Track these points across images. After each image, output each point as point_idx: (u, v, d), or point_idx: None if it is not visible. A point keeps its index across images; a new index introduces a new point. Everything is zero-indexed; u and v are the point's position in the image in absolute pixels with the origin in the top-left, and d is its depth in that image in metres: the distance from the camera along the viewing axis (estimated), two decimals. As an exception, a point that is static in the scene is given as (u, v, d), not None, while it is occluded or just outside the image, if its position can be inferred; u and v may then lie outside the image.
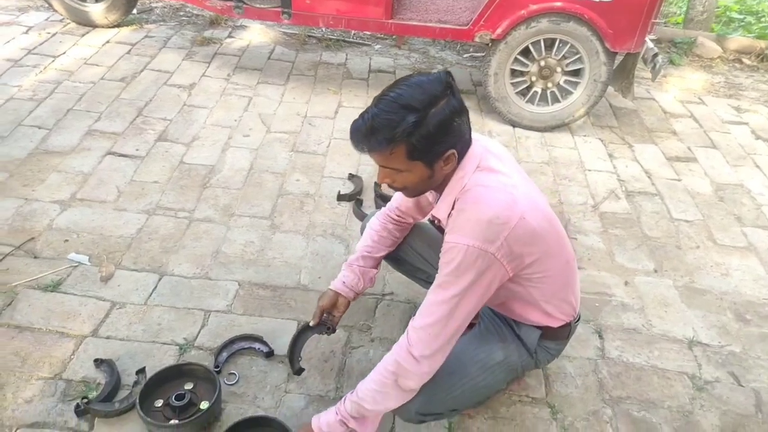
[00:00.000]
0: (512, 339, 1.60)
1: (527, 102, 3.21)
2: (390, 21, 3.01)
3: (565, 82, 3.15)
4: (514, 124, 3.27)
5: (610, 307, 2.20)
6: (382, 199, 2.60)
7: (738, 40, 4.81)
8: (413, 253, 1.81)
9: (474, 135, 1.41)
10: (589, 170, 3.00)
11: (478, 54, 4.23)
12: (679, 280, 2.36)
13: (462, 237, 1.30)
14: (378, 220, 1.77)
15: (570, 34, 2.93)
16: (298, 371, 1.71)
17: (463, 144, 1.36)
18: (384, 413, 1.47)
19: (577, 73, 3.12)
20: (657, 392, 1.89)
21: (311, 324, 1.72)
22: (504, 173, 1.40)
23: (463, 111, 1.33)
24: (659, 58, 2.96)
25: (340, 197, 2.60)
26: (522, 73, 3.15)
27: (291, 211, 2.50)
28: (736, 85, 4.26)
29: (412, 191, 1.44)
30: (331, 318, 1.72)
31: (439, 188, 1.44)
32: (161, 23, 4.18)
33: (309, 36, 4.20)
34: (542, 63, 3.07)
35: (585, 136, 3.31)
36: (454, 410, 1.56)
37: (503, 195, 1.34)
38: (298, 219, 2.47)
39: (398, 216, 1.75)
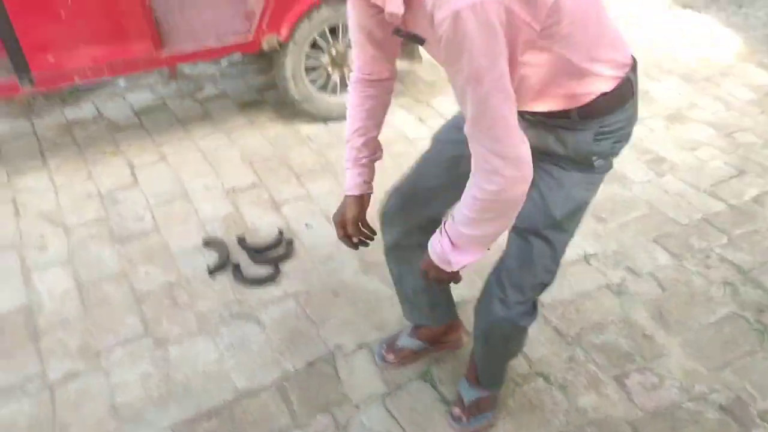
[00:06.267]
0: (569, 172, 1.29)
1: (330, 94, 3.10)
2: (162, 53, 2.56)
3: (357, 63, 3.11)
4: (326, 120, 3.15)
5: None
6: (256, 252, 2.29)
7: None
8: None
9: None
10: (416, 139, 3.07)
11: (236, 60, 3.89)
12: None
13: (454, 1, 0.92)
14: (355, 93, 1.40)
15: (351, 17, 2.88)
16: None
17: None
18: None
19: (364, 51, 3.10)
20: (597, 314, 2.10)
21: (354, 241, 1.49)
22: None
23: None
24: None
25: (212, 270, 2.21)
26: (315, 68, 3.02)
27: (167, 314, 2.05)
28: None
29: None
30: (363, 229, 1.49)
31: None
32: None
33: (32, 97, 3.37)
34: (333, 51, 2.98)
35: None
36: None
37: None
38: (182, 319, 2.04)
39: (368, 75, 1.37)
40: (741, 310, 2.10)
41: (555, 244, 1.35)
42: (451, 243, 1.21)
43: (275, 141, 3.03)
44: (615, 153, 1.30)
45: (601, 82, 1.18)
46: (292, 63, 2.88)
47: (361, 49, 1.33)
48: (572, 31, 1.06)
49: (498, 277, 1.42)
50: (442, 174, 1.46)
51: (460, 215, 1.17)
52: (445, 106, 3.34)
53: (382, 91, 1.40)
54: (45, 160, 2.83)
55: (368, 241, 1.51)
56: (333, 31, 2.94)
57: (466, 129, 1.09)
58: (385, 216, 1.60)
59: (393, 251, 1.66)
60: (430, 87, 3.57)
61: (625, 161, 2.82)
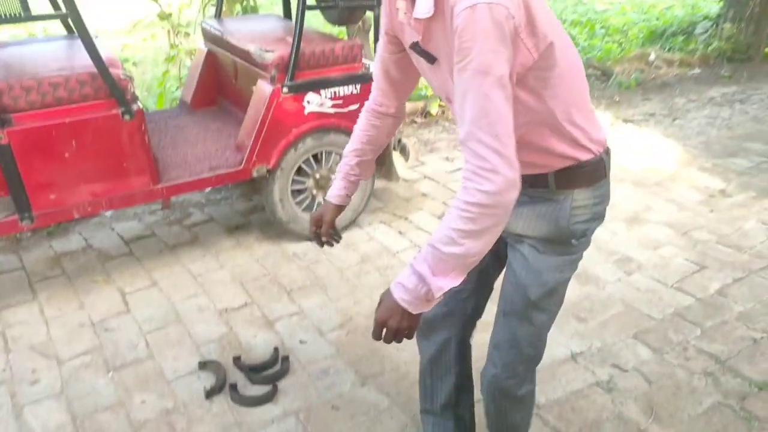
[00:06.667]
0: (545, 256, 1.40)
1: (315, 214, 3.28)
2: (159, 186, 2.72)
3: (339, 185, 3.33)
4: (310, 239, 3.29)
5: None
6: (253, 371, 2.31)
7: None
8: None
9: None
10: (398, 252, 3.23)
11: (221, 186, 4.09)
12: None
13: None
14: (364, 119, 1.62)
15: (333, 144, 3.14)
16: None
17: None
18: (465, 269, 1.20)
19: (345, 174, 3.34)
20: (592, 412, 2.15)
21: (323, 240, 1.70)
22: None
23: None
24: (404, 140, 3.41)
25: (209, 394, 2.21)
26: (300, 191, 3.22)
27: (166, 442, 2.02)
28: (430, 141, 5.15)
29: None
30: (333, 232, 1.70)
31: None
32: None
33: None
34: (317, 176, 3.20)
35: (370, 224, 3.54)
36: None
37: None
38: (181, 446, 2.00)
39: (380, 107, 1.58)
40: (725, 398, 2.20)
41: (537, 324, 1.49)
42: (432, 271, 1.17)
43: (264, 260, 3.14)
44: (590, 233, 1.41)
45: (576, 150, 1.31)
46: (280, 188, 3.08)
47: (378, 82, 1.56)
48: (560, 84, 1.23)
49: (490, 354, 1.57)
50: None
51: (442, 235, 1.15)
52: (423, 221, 3.55)
53: (386, 125, 1.61)
54: (35, 293, 2.85)
55: (333, 242, 1.71)
56: (316, 157, 3.18)
57: (464, 132, 1.13)
58: (425, 324, 1.66)
59: (430, 365, 1.76)
60: (406, 203, 3.80)
61: (595, 263, 3.02)
